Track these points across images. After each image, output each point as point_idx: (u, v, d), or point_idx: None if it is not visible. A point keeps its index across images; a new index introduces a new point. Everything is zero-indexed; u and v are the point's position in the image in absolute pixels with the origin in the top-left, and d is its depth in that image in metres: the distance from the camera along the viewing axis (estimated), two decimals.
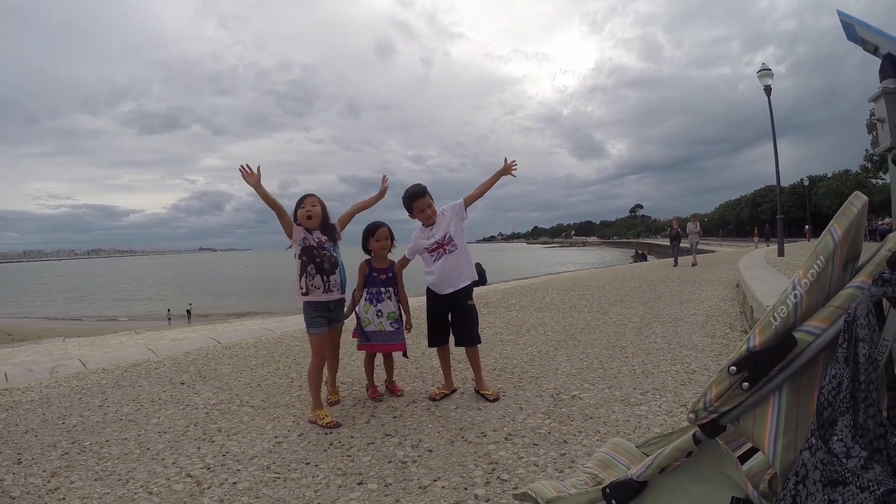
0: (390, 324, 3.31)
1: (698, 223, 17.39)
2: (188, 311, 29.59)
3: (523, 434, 2.70)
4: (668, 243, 18.84)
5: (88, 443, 2.85)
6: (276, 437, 2.82)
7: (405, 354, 3.46)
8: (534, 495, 1.33)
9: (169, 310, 30.05)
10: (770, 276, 6.19)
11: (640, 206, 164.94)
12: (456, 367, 3.62)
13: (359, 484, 2.25)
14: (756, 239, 30.08)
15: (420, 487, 2.21)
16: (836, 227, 0.92)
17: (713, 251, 26.99)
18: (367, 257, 3.38)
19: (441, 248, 3.24)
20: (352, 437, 2.78)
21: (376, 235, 3.30)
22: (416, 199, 3.23)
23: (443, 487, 2.20)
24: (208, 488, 2.25)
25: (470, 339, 3.29)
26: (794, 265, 7.52)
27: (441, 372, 3.49)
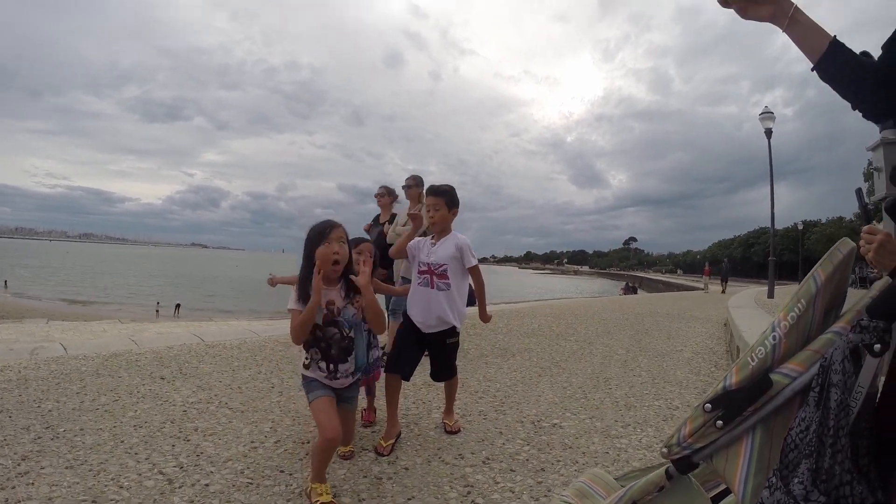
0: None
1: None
2: (177, 306, 29.39)
3: (501, 459, 2.69)
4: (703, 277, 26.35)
5: (62, 429, 2.82)
6: (252, 441, 2.79)
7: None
8: None
9: (158, 302, 29.81)
10: (759, 315, 6.24)
11: (633, 239, 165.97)
12: (421, 395, 3.41)
13: (334, 496, 2.23)
14: (705, 277, 24.08)
15: None
16: (820, 272, 0.94)
17: (701, 288, 27.15)
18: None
19: (431, 275, 2.84)
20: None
21: (359, 249, 2.80)
22: (428, 195, 2.91)
23: None
24: (179, 487, 2.22)
25: (448, 374, 3.04)
26: None
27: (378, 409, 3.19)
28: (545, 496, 2.29)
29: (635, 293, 30.97)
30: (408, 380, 2.93)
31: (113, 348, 4.74)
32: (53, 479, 2.26)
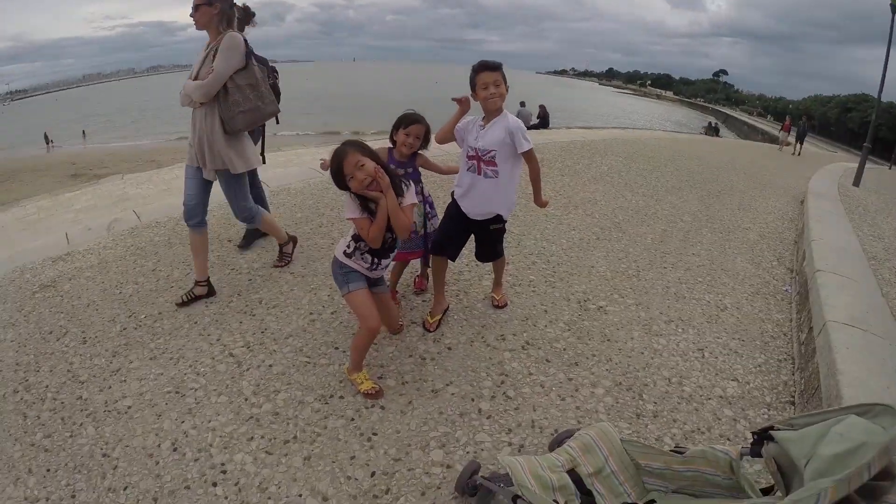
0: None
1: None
2: None
3: (540, 345, 2.82)
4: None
5: (143, 315, 3.10)
6: (310, 313, 3.05)
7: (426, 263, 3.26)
8: (509, 473, 1.44)
9: None
10: (838, 216, 5.63)
11: (724, 72, 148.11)
12: (473, 259, 3.21)
13: (379, 378, 2.47)
14: (784, 133, 20.40)
15: (432, 391, 2.41)
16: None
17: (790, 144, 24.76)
18: (390, 146, 2.86)
19: (478, 161, 2.67)
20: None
21: (408, 129, 2.76)
22: (481, 70, 2.58)
23: (452, 395, 2.39)
24: (247, 370, 2.53)
25: (493, 257, 3.04)
26: (869, 206, 6.75)
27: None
28: (571, 396, 2.43)
29: (717, 134, 28.66)
30: (454, 261, 2.98)
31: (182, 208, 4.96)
32: (141, 372, 2.59)
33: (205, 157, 3.02)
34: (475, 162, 2.69)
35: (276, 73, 3.70)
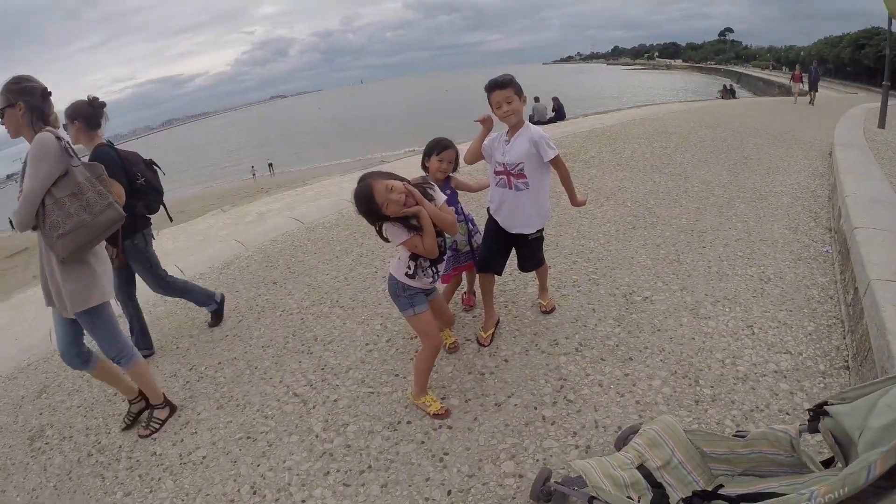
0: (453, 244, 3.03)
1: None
2: (270, 165, 31.76)
3: (592, 345, 2.86)
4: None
5: (203, 367, 3.24)
6: (366, 344, 3.16)
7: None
8: (582, 475, 1.50)
9: (252, 166, 32.25)
10: (868, 164, 5.44)
11: (729, 30, 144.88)
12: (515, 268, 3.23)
13: (442, 399, 2.55)
14: (795, 84, 18.90)
15: (495, 405, 2.48)
16: (878, 464, 0.90)
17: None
18: (424, 174, 2.90)
19: (507, 176, 2.72)
20: None
21: (441, 155, 2.87)
22: (492, 90, 2.60)
23: (515, 405, 2.46)
24: (314, 407, 2.65)
25: (534, 266, 3.10)
26: None
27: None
28: (629, 391, 2.47)
29: (734, 96, 27.93)
30: (500, 275, 3.04)
31: (223, 257, 5.20)
32: (210, 423, 2.71)
33: (51, 294, 2.46)
34: (504, 177, 2.74)
35: (155, 166, 3.27)
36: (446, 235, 2.36)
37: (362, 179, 2.17)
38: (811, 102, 16.90)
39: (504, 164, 2.71)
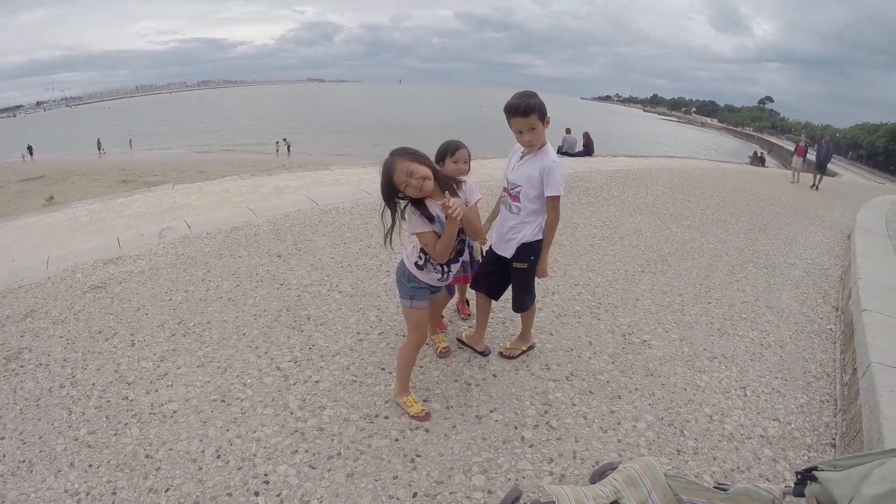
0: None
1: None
2: (287, 146, 31.78)
3: (583, 377, 2.82)
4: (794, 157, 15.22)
5: (192, 323, 3.23)
6: (358, 332, 3.13)
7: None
8: (555, 501, 1.47)
9: (277, 142, 32.28)
10: (884, 255, 5.39)
11: (770, 99, 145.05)
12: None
13: (424, 401, 2.51)
14: (797, 158, 14.25)
15: (476, 417, 2.44)
16: None
17: (837, 175, 23.77)
18: None
19: (507, 193, 2.61)
20: (427, 343, 2.93)
21: (455, 156, 2.75)
22: (511, 116, 2.41)
23: (496, 421, 2.41)
24: (293, 384, 2.62)
25: (520, 305, 2.83)
26: None
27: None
28: (613, 429, 2.42)
29: (763, 164, 27.93)
30: (496, 299, 2.89)
31: (233, 221, 5.20)
32: (188, 378, 2.69)
33: None
34: (506, 194, 2.64)
35: None
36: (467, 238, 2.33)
37: (393, 153, 2.13)
38: (815, 186, 13.00)
39: (509, 180, 2.61)
